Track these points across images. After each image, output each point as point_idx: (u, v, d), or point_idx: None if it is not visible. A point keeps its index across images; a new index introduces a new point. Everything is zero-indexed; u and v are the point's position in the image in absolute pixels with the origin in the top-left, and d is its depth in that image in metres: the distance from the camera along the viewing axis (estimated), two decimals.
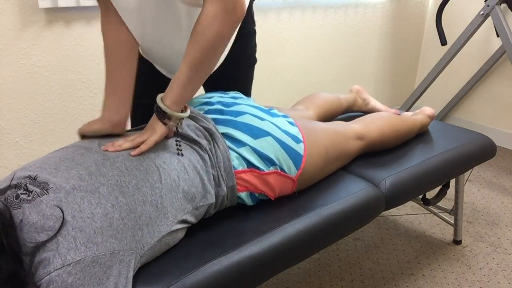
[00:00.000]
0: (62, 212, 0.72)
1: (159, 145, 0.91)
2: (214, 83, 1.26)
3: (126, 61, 1.03)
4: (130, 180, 0.81)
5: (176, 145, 0.94)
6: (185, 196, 0.88)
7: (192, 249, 0.89)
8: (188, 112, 0.95)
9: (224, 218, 1.01)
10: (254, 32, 1.26)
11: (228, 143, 0.98)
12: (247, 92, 1.32)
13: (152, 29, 1.02)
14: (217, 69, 1.20)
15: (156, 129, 0.92)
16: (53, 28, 1.53)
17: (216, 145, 0.97)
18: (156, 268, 0.84)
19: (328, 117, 1.51)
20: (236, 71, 1.26)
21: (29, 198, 0.74)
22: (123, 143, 0.90)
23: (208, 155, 0.95)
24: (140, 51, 1.17)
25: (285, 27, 2.20)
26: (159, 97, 0.94)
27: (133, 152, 0.88)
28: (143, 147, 0.89)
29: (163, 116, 0.92)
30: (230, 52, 1.19)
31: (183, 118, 0.95)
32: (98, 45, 1.64)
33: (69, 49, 1.59)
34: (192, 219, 0.91)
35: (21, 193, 0.75)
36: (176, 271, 0.83)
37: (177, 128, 0.95)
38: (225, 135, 1.00)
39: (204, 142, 0.96)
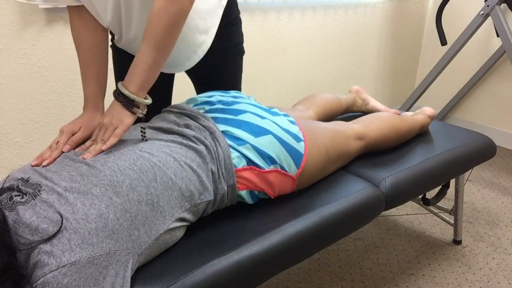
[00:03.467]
0: (61, 217, 0.72)
1: (153, 145, 0.90)
2: (203, 74, 1.26)
3: (103, 54, 1.08)
4: (124, 179, 0.80)
5: (141, 131, 0.94)
6: (182, 194, 0.87)
7: (192, 249, 0.89)
8: (150, 99, 0.93)
9: (224, 218, 1.01)
10: (240, 21, 1.26)
11: (229, 141, 0.98)
12: (236, 84, 1.31)
13: (139, 14, 1.02)
14: (205, 58, 1.20)
15: (123, 120, 0.89)
16: (53, 28, 1.53)
17: (217, 143, 0.97)
18: (155, 268, 0.84)
19: (328, 117, 1.51)
20: (224, 60, 1.25)
21: (23, 200, 0.74)
22: (96, 146, 0.88)
23: (208, 152, 0.95)
24: (119, 44, 1.18)
25: (285, 27, 2.20)
26: (120, 84, 0.91)
27: (94, 151, 0.86)
28: (112, 141, 0.87)
29: (131, 105, 0.90)
30: (217, 40, 1.19)
31: (148, 105, 0.94)
32: None
33: (69, 49, 1.59)
34: (190, 216, 0.91)
35: (15, 195, 0.75)
36: (175, 271, 0.83)
37: (143, 115, 0.93)
38: (225, 133, 1.00)
39: (204, 140, 0.96)
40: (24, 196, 0.75)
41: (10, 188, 0.77)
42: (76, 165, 0.82)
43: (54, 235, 0.70)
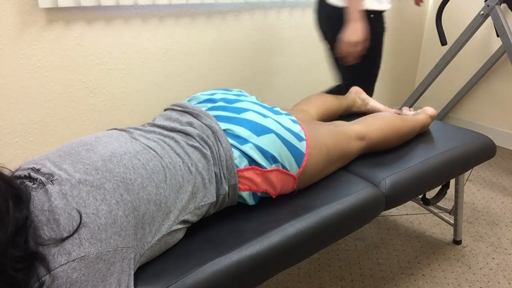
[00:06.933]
0: (80, 216, 0.71)
1: (164, 147, 0.91)
2: None
3: None
4: (136, 178, 0.81)
5: None
6: (188, 197, 0.88)
7: (192, 249, 0.89)
8: None
9: (224, 218, 1.01)
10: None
11: (231, 140, 0.98)
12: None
13: None
14: None
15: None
16: (53, 28, 1.53)
17: (219, 143, 0.97)
18: (156, 268, 0.84)
19: (328, 117, 1.51)
20: None
21: (34, 186, 0.74)
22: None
23: (211, 153, 0.95)
24: None
25: (285, 27, 2.20)
26: None
27: None
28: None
29: None
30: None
31: None
32: (98, 45, 1.64)
33: (69, 49, 1.59)
34: (193, 218, 0.91)
35: (27, 181, 0.75)
36: (176, 271, 0.83)
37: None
38: (227, 132, 1.00)
39: (207, 140, 0.96)
40: (35, 181, 0.74)
41: (20, 177, 0.76)
42: (92, 159, 0.81)
43: (71, 234, 0.69)
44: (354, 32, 1.52)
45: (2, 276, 0.64)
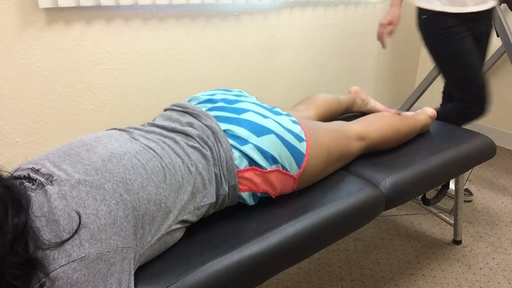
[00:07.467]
0: (80, 217, 0.71)
1: (164, 147, 0.91)
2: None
3: None
4: (136, 178, 0.81)
5: None
6: (187, 197, 0.88)
7: (192, 249, 0.89)
8: None
9: (224, 218, 1.01)
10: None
11: (231, 141, 0.98)
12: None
13: None
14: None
15: None
16: (53, 28, 1.53)
17: (219, 143, 0.97)
18: (156, 268, 0.84)
19: (328, 118, 1.51)
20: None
21: (34, 186, 0.73)
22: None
23: (211, 153, 0.95)
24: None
25: (285, 27, 2.20)
26: None
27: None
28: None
29: None
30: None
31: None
32: (98, 45, 1.64)
33: (69, 49, 1.59)
34: (193, 218, 0.91)
35: (26, 181, 0.75)
36: (176, 271, 0.83)
37: None
38: (227, 132, 1.00)
39: (207, 140, 0.96)
40: (34, 182, 0.74)
41: (19, 177, 0.76)
42: (92, 159, 0.81)
43: (73, 234, 0.69)
44: (385, 15, 1.69)
45: (1, 284, 0.64)
